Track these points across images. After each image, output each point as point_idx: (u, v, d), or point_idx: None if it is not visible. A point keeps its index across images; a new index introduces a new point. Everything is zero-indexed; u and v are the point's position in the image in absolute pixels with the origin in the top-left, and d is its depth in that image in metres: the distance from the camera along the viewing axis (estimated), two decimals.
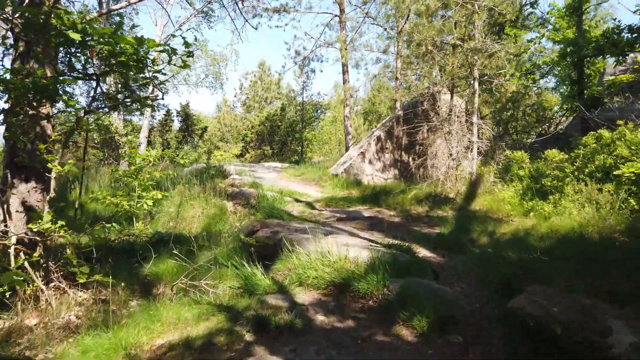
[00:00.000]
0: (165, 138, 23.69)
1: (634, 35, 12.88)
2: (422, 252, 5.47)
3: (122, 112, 21.89)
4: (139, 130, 22.02)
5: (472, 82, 9.10)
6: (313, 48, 16.33)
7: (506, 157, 10.43)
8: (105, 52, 4.49)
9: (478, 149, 9.16)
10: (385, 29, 14.98)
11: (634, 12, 10.25)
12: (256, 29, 17.17)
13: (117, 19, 7.60)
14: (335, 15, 15.42)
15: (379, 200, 9.13)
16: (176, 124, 26.87)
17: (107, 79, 18.36)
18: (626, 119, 11.17)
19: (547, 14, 19.54)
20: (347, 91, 14.76)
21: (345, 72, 15.10)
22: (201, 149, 34.37)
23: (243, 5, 13.33)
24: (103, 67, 4.88)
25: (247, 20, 11.07)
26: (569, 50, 13.82)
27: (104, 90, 5.76)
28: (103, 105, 5.46)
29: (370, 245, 5.17)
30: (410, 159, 11.54)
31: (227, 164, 19.86)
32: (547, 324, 3.20)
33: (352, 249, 4.85)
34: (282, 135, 27.91)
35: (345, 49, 14.35)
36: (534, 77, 18.73)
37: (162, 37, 21.93)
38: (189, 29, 22.28)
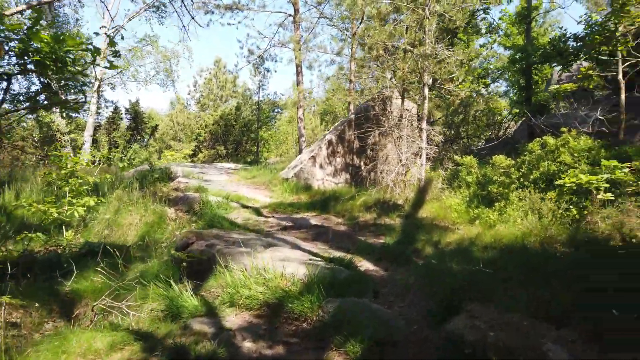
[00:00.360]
0: (112, 137, 22.62)
1: (578, 44, 13.30)
2: (365, 265, 5.28)
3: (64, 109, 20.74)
4: (84, 127, 20.90)
5: (422, 87, 9.04)
6: (267, 47, 15.98)
7: (455, 162, 10.47)
8: (16, 49, 4.03)
9: (427, 155, 9.12)
10: (341, 30, 14.83)
11: (578, 22, 10.50)
12: (208, 26, 16.63)
13: (63, 12, 7.02)
14: (290, 15, 15.13)
15: (327, 207, 8.92)
16: (127, 122, 25.78)
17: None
18: (570, 126, 11.48)
19: (499, 19, 20.05)
20: (301, 93, 14.50)
21: (299, 73, 14.84)
22: (153, 148, 33.22)
23: (192, 1, 12.81)
24: (14, 65, 4.40)
25: (193, 17, 10.57)
26: (518, 56, 14.13)
27: (18, 91, 5.21)
28: (14, 108, 4.92)
29: (311, 260, 4.92)
30: (362, 163, 11.41)
31: (176, 164, 19.18)
32: (484, 351, 3.05)
33: (290, 265, 4.58)
34: (237, 135, 27.34)
35: (299, 50, 14.08)
36: (485, 82, 19.16)
37: (109, 32, 20.93)
38: (144, 23, 21.42)
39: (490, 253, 5.82)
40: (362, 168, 11.33)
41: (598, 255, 5.17)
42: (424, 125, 9.00)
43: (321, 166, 10.71)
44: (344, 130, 11.10)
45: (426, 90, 9.00)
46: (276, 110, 33.66)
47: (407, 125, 10.02)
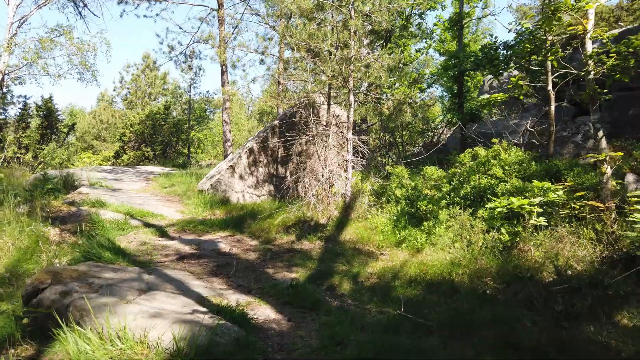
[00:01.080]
0: (19, 136, 20.19)
1: (509, 52, 13.06)
2: (265, 312, 4.31)
3: None
4: None
5: (348, 93, 8.23)
6: (190, 43, 14.63)
7: (386, 172, 9.79)
8: None
9: (354, 167, 8.32)
10: (271, 27, 13.78)
11: (509, 30, 10.12)
12: (121, 17, 14.99)
13: None
14: (213, 9, 13.89)
15: (242, 226, 7.89)
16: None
17: None
18: (501, 137, 11.10)
19: (434, 25, 19.82)
20: (225, 94, 13.34)
21: (223, 72, 13.65)
22: (73, 148, 30.49)
23: None
24: None
25: (86, 5, 9.10)
26: (450, 63, 13.76)
27: None
28: None
29: (192, 312, 3.88)
30: (288, 174, 10.46)
31: (91, 169, 17.34)
32: None
33: (161, 323, 3.53)
34: (166, 136, 25.55)
35: (223, 48, 12.91)
36: (420, 87, 18.83)
37: (14, 20, 18.67)
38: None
39: (414, 290, 5.05)
40: (288, 178, 10.38)
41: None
42: (350, 135, 8.19)
43: (241, 177, 9.65)
44: (267, 138, 10.09)
45: (352, 97, 8.20)
46: (209, 110, 32.03)
47: (335, 133, 9.19)
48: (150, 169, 20.60)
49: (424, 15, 18.84)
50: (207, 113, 30.85)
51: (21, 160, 19.33)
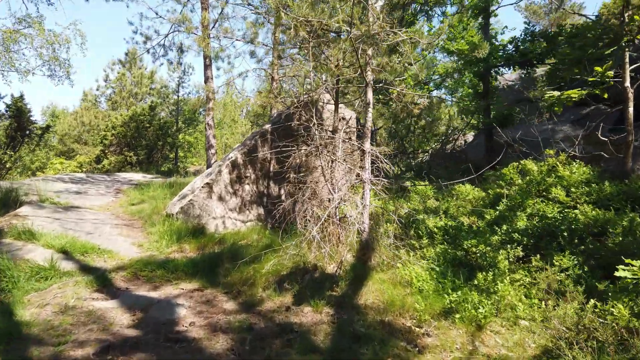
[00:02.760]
0: None
1: (548, 44, 10.79)
2: None
3: None
4: None
5: (364, 88, 5.90)
6: (169, 31, 12.27)
7: (402, 188, 7.52)
8: None
9: (373, 189, 5.99)
10: (265, 13, 11.42)
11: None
12: (87, 1, 12.56)
13: None
14: None
15: (217, 272, 5.52)
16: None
17: None
18: (551, 146, 8.78)
19: (441, 22, 17.51)
20: (209, 92, 10.97)
21: (207, 66, 11.30)
22: (52, 152, 27.94)
23: None
24: None
25: None
26: (473, 57, 11.45)
27: None
28: None
29: None
30: (283, 193, 8.13)
31: (57, 177, 14.91)
32: None
33: None
34: (151, 139, 23.12)
35: (206, 36, 10.54)
36: (428, 88, 16.51)
37: None
38: None
39: None
40: (282, 198, 8.06)
41: None
42: (367, 145, 5.86)
43: (221, 198, 7.28)
44: (256, 147, 7.73)
45: (370, 94, 5.87)
46: (201, 111, 29.61)
47: (344, 141, 6.86)
48: (129, 177, 18.17)
49: (431, 12, 16.57)
50: (199, 114, 28.46)
51: None
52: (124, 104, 26.59)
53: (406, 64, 5.69)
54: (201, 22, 10.68)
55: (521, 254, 5.31)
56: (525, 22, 22.61)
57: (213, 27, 11.01)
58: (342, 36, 6.59)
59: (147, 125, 23.11)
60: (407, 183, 7.50)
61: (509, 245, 5.43)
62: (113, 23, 78.51)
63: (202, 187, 7.20)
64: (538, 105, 11.84)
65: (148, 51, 12.71)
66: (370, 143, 5.92)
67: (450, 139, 16.70)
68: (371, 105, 5.84)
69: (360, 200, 5.62)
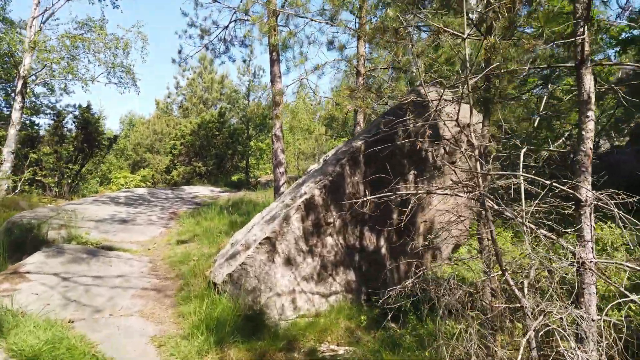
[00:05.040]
0: (57, 152, 16.54)
1: None
2: None
3: None
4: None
5: (577, 71, 2.79)
6: (231, 19, 9.83)
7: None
8: None
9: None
10: None
11: None
12: None
13: None
14: None
15: None
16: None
17: None
18: None
19: None
20: (276, 94, 8.32)
21: (274, 61, 8.67)
22: (127, 162, 27.20)
23: None
24: None
25: None
26: None
27: None
28: None
29: None
30: (383, 242, 5.21)
31: (114, 196, 13.15)
32: None
33: None
34: (221, 148, 21.25)
35: (273, 20, 7.89)
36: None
37: (37, 14, 15.02)
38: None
39: None
40: (383, 254, 5.16)
41: None
42: (586, 190, 2.73)
43: (289, 261, 4.52)
44: (341, 176, 4.88)
45: (589, 79, 2.74)
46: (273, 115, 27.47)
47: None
48: (195, 192, 16.20)
49: None
50: (269, 119, 26.31)
51: (48, 185, 15.66)
52: (194, 110, 25.15)
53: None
54: (265, 3, 8.03)
55: None
56: None
57: (282, 7, 8.32)
58: None
59: (217, 132, 21.27)
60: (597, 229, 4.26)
61: None
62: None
63: (261, 243, 4.46)
64: None
65: (206, 47, 10.40)
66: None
67: (569, 142, 12.73)
68: (591, 96, 2.73)
69: (582, 313, 2.51)
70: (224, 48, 10.57)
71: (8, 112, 15.06)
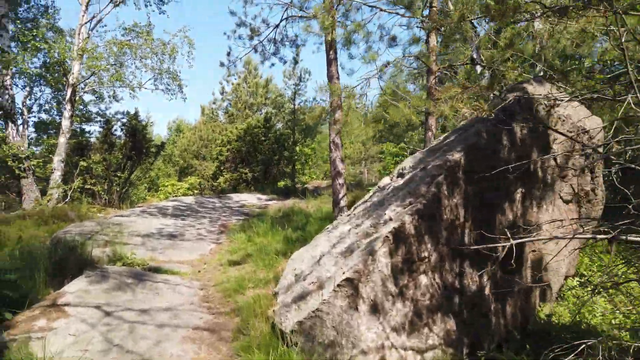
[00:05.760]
0: (106, 160, 16.36)
1: None
2: None
3: (26, 125, 14.83)
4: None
5: None
6: (283, 17, 9.04)
7: None
8: None
9: None
10: None
11: None
12: None
13: None
14: None
15: None
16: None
17: None
18: None
19: None
20: (335, 96, 7.39)
21: (331, 60, 7.75)
22: (173, 168, 27.15)
23: None
24: None
25: None
26: None
27: None
28: None
29: None
30: (486, 280, 4.15)
31: (161, 206, 12.66)
32: None
33: None
34: (267, 153, 20.63)
35: (332, 12, 6.99)
36: None
37: (84, 22, 14.86)
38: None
39: None
40: (486, 295, 4.09)
41: None
42: None
43: (376, 307, 3.56)
44: (437, 198, 3.85)
45: None
46: (320, 120, 26.62)
47: None
48: (242, 200, 15.55)
49: None
50: (321, 124, 25.55)
51: (97, 194, 15.45)
52: (240, 116, 24.73)
53: None
54: None
55: None
56: None
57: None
58: None
59: (263, 138, 20.67)
60: None
61: None
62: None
63: (340, 285, 3.52)
64: None
65: (255, 49, 9.66)
66: None
67: None
68: None
69: None
70: (273, 49, 9.80)
71: (60, 120, 14.96)
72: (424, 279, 3.75)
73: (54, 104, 16.97)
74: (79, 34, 14.60)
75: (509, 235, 2.74)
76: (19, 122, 13.85)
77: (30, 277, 5.55)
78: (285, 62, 10.16)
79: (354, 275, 3.47)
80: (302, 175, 25.97)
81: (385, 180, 5.74)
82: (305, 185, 21.16)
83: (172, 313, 4.87)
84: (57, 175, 14.32)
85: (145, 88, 16.60)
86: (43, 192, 14.27)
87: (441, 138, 5.70)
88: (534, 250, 4.67)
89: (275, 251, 7.18)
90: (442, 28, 6.61)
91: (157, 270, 6.63)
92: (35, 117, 19.36)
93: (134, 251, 7.21)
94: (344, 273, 3.58)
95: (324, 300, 3.53)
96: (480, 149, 4.10)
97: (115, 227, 8.89)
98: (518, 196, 4.38)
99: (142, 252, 7.39)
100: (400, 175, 5.28)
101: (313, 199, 15.36)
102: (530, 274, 4.64)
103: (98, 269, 6.07)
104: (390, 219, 3.85)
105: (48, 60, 15.54)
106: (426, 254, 3.76)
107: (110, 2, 15.13)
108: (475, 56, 6.96)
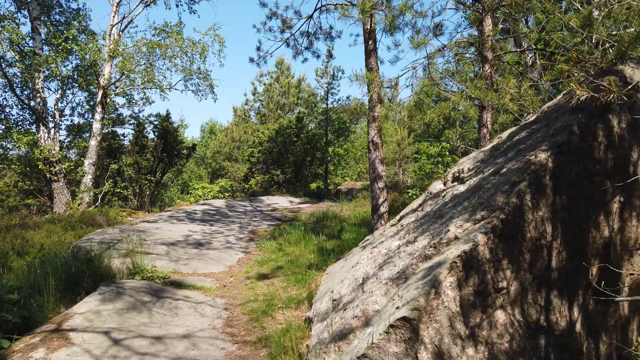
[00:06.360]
0: (137, 163, 16.11)
1: None
2: None
3: (58, 128, 14.69)
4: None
5: None
6: (317, 6, 8.27)
7: None
8: None
9: None
10: None
11: None
12: None
13: None
14: None
15: None
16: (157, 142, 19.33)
17: None
18: None
19: None
20: (374, 90, 6.55)
21: (371, 52, 6.92)
22: (205, 170, 26.92)
23: None
24: None
25: None
26: None
27: None
28: None
29: None
30: (577, 313, 3.23)
31: (190, 210, 12.15)
32: None
33: None
34: (299, 155, 19.97)
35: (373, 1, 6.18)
36: None
37: (117, 19, 14.60)
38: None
39: None
40: (578, 333, 3.16)
41: None
42: None
43: (440, 357, 2.75)
44: (520, 208, 2.99)
45: None
46: (354, 120, 25.69)
47: None
48: (273, 204, 14.92)
49: None
50: (351, 123, 24.71)
51: (127, 197, 15.17)
52: (272, 117, 24.19)
53: None
54: None
55: None
56: None
57: None
58: None
59: (295, 139, 20.03)
60: None
61: None
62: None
63: (394, 325, 2.70)
64: None
65: (287, 43, 8.95)
66: None
67: None
68: None
69: None
70: (306, 42, 9.05)
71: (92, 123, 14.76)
72: (501, 316, 2.88)
73: (88, 107, 16.84)
74: (109, 35, 14.34)
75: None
76: (51, 125, 13.65)
77: (41, 292, 5.01)
78: (318, 57, 9.40)
79: (412, 314, 2.65)
80: (334, 177, 25.19)
81: (437, 185, 4.87)
82: (338, 187, 20.37)
83: (189, 342, 4.18)
84: (87, 179, 14.09)
85: (176, 89, 16.23)
86: (75, 196, 14.07)
87: (504, 135, 4.79)
88: (632, 274, 3.71)
89: (308, 263, 6.42)
90: (499, 10, 5.69)
91: (179, 284, 5.99)
92: (68, 120, 19.41)
93: (156, 262, 6.62)
94: (397, 308, 2.76)
95: (373, 344, 2.72)
96: (572, 148, 3.19)
97: (140, 234, 8.37)
98: (615, 206, 3.44)
99: (164, 263, 6.80)
100: (458, 179, 4.41)
101: (347, 201, 14.55)
102: (627, 304, 3.69)
103: (114, 284, 5.48)
104: (457, 238, 3.01)
105: (80, 63, 15.38)
106: (504, 283, 2.89)
107: (140, 2, 14.81)
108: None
